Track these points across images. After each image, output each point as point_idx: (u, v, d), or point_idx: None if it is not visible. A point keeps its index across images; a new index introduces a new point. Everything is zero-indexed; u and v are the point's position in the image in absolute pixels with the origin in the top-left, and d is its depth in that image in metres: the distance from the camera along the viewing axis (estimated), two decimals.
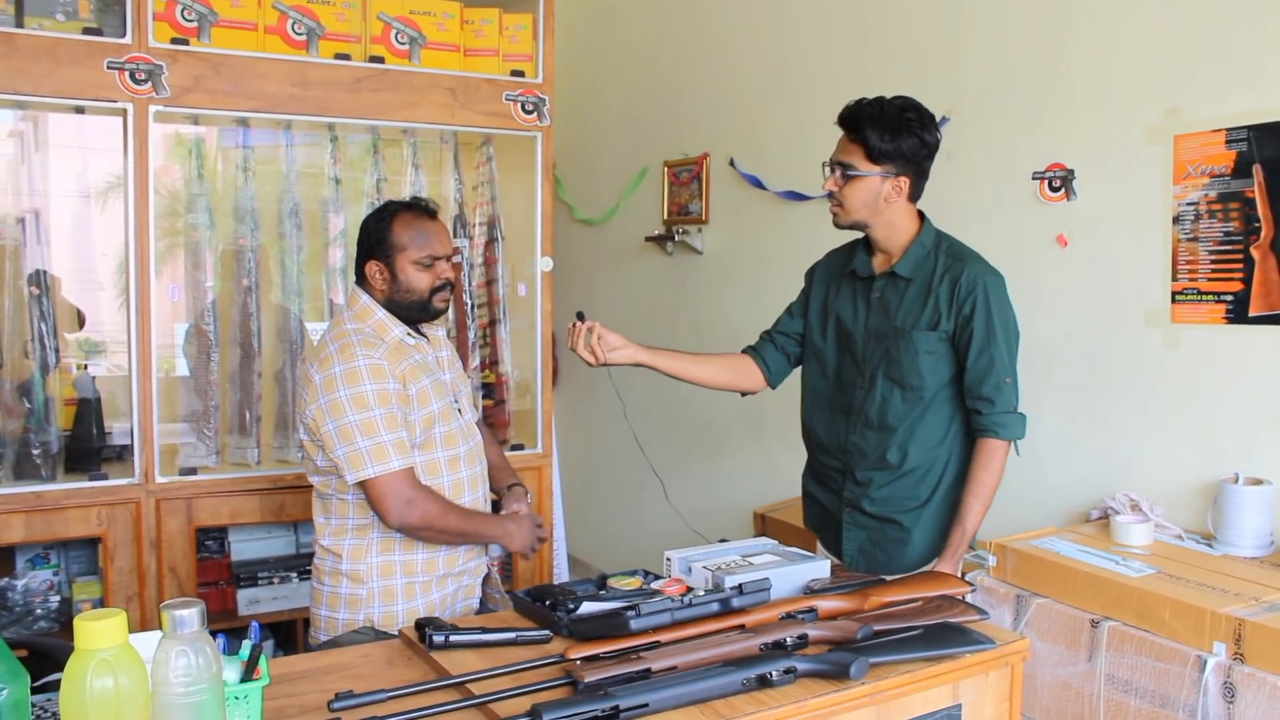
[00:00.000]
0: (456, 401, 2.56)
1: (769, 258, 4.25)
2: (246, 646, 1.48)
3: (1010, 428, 2.46)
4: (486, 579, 2.63)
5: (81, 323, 3.74)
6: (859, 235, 2.60)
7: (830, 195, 2.51)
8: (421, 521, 2.33)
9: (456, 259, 3.72)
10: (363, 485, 2.32)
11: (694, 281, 4.70)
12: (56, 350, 3.33)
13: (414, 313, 2.48)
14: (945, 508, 2.53)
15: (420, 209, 2.50)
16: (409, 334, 2.48)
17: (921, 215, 2.56)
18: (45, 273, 3.29)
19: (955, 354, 2.49)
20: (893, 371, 2.51)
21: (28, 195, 3.40)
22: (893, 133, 2.41)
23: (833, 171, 2.49)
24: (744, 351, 2.80)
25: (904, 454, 2.52)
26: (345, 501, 2.40)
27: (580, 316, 2.53)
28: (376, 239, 2.45)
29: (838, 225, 2.54)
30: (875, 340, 2.54)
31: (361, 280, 2.50)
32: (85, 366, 3.71)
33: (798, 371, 2.79)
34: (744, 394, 2.83)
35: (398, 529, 2.34)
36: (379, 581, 2.40)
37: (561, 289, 4.59)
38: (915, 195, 2.52)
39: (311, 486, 2.49)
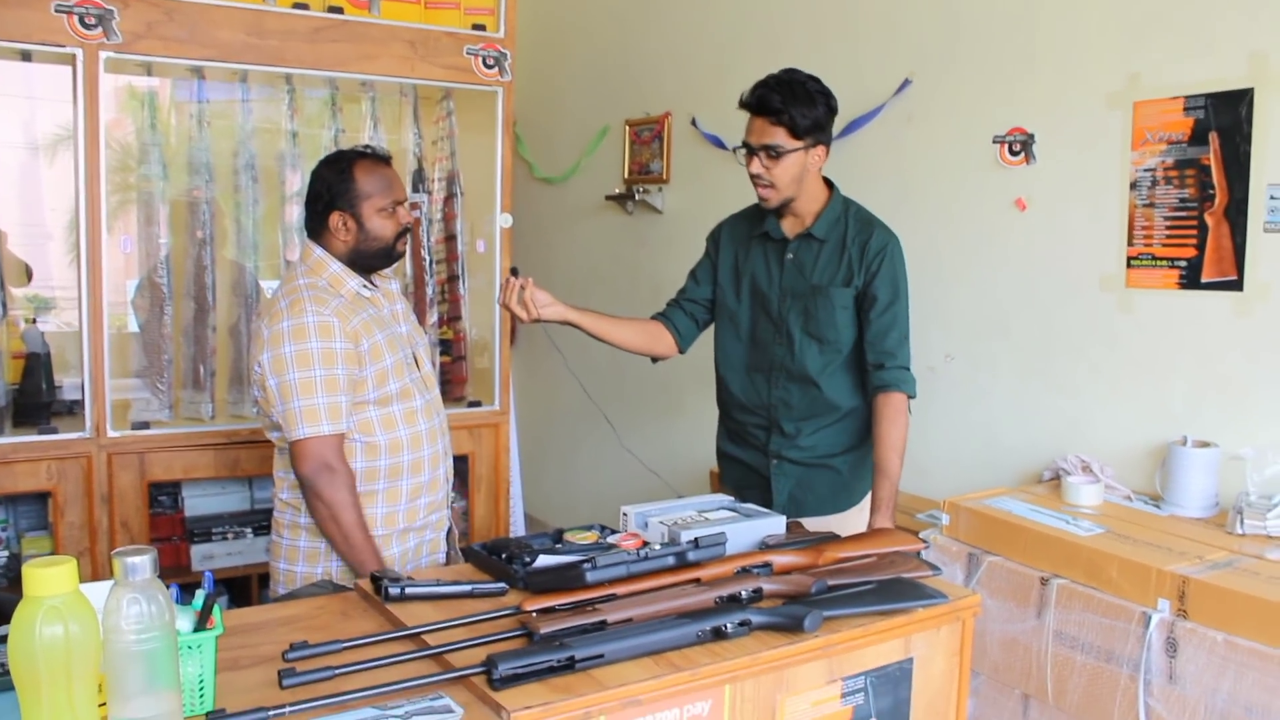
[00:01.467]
0: (413, 355, 2.54)
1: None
2: (200, 596, 1.47)
3: (909, 383, 2.60)
4: (449, 533, 2.63)
5: (29, 277, 3.68)
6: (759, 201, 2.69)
7: (757, 178, 2.58)
8: (328, 496, 2.29)
9: (415, 213, 3.69)
10: (291, 444, 2.31)
11: (654, 241, 4.69)
12: (4, 304, 3.27)
13: (378, 260, 2.47)
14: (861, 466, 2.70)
15: (375, 156, 2.47)
16: (365, 286, 2.46)
17: (828, 180, 2.69)
18: None
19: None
20: (810, 326, 2.62)
21: None
22: (809, 106, 2.52)
23: (754, 155, 2.57)
24: (654, 318, 2.86)
25: (832, 401, 2.64)
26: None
27: (514, 272, 2.58)
28: (338, 190, 2.41)
29: (769, 207, 2.64)
30: (792, 298, 2.65)
31: (315, 233, 2.46)
32: (34, 321, 3.65)
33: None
34: (655, 359, 2.89)
35: (304, 492, 2.33)
36: None
37: (521, 247, 4.57)
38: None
39: (268, 442, 2.48)
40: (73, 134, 3.13)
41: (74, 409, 3.39)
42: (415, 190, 3.83)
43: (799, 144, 2.54)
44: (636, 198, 4.68)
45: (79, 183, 3.11)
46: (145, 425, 3.32)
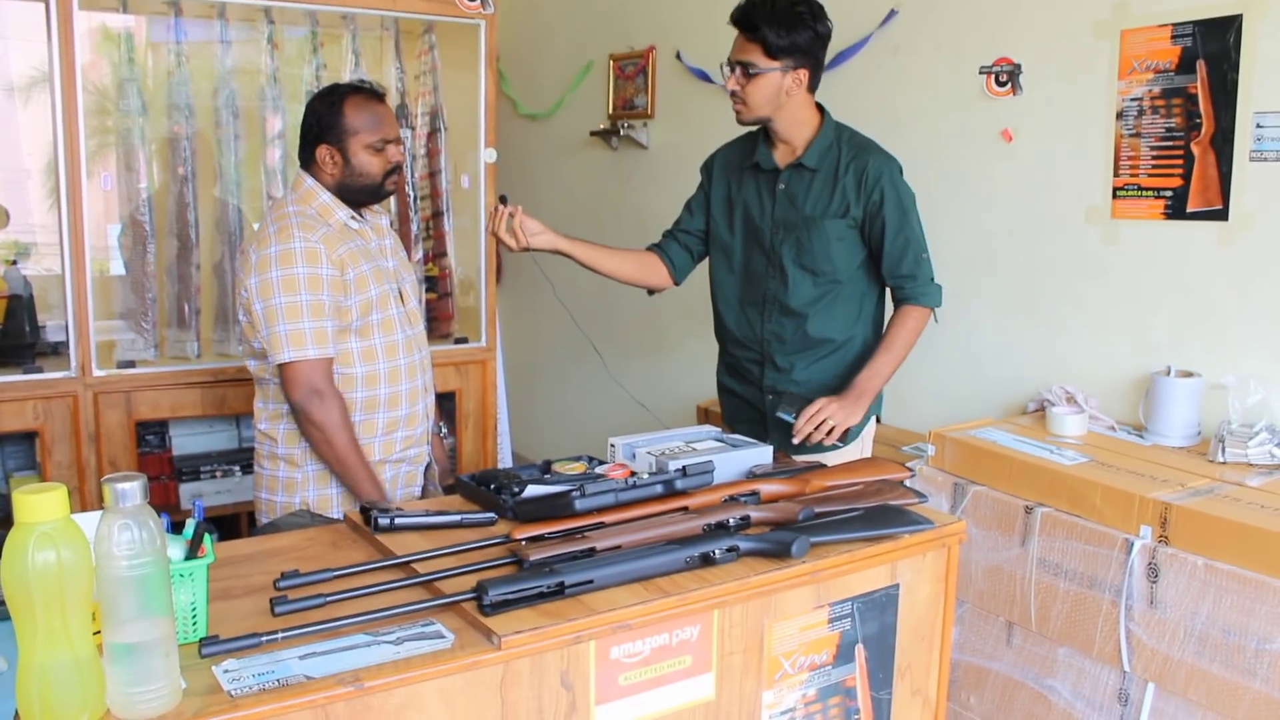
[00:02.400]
0: (399, 289, 2.54)
1: None
2: (191, 525, 1.48)
3: (931, 296, 2.59)
4: (428, 468, 2.64)
5: (6, 220, 3.64)
6: (753, 129, 2.67)
7: (733, 94, 2.56)
8: (320, 419, 2.31)
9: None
10: (279, 369, 2.31)
11: (639, 177, 4.67)
12: None
13: (364, 196, 2.46)
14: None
15: (368, 91, 2.45)
16: (353, 218, 2.46)
17: (820, 107, 2.63)
18: None
19: (863, 240, 2.59)
20: (804, 259, 2.59)
21: None
22: (788, 28, 2.47)
23: (732, 71, 2.53)
24: (649, 249, 2.84)
25: (824, 334, 2.62)
26: (280, 385, 2.39)
27: (503, 200, 2.56)
28: (327, 124, 2.40)
29: (741, 123, 2.61)
30: (784, 230, 2.61)
31: (305, 163, 2.46)
32: (14, 262, 3.62)
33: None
34: (651, 292, 2.87)
35: (297, 419, 2.34)
36: (313, 465, 2.41)
37: (505, 183, 4.54)
38: (813, 86, 2.58)
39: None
40: (48, 74, 3.08)
41: (59, 349, 3.38)
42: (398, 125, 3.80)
43: (774, 64, 2.48)
44: (621, 133, 4.65)
45: (56, 124, 3.07)
46: (131, 364, 3.31)
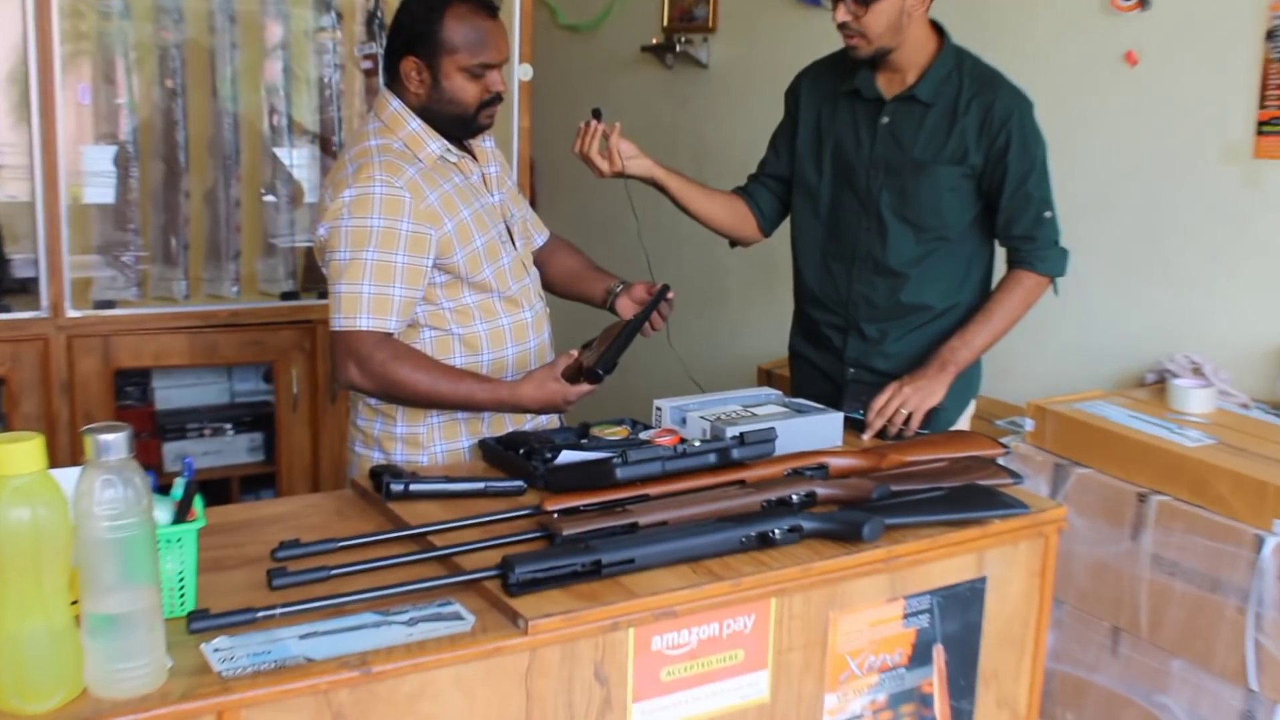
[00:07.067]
0: (508, 229, 2.48)
1: (785, 73, 4.19)
2: (180, 485, 1.52)
3: (1051, 262, 2.51)
4: None
5: None
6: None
7: (843, 27, 2.45)
8: (386, 378, 2.23)
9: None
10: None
11: (697, 101, 4.66)
12: None
13: (452, 127, 2.37)
14: (974, 364, 2.58)
15: (479, 2, 2.32)
16: (449, 150, 2.37)
17: (938, 27, 2.54)
18: None
19: (979, 191, 2.52)
20: (906, 210, 2.53)
21: None
22: None
23: (843, 1, 2.42)
24: (735, 192, 2.80)
25: (921, 300, 2.56)
26: None
27: (597, 114, 2.49)
28: (421, 31, 2.29)
29: (860, 58, 2.49)
30: (885, 173, 2.54)
31: (392, 80, 2.38)
32: None
33: None
34: (734, 244, 2.84)
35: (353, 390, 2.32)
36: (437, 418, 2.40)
37: (542, 105, 4.54)
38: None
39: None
40: None
41: (28, 287, 3.42)
42: None
43: None
44: (677, 49, 4.63)
45: (27, 22, 3.10)
46: (110, 305, 3.35)
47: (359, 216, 2.22)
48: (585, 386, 2.19)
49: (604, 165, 2.50)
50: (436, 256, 2.28)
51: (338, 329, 2.23)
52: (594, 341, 2.26)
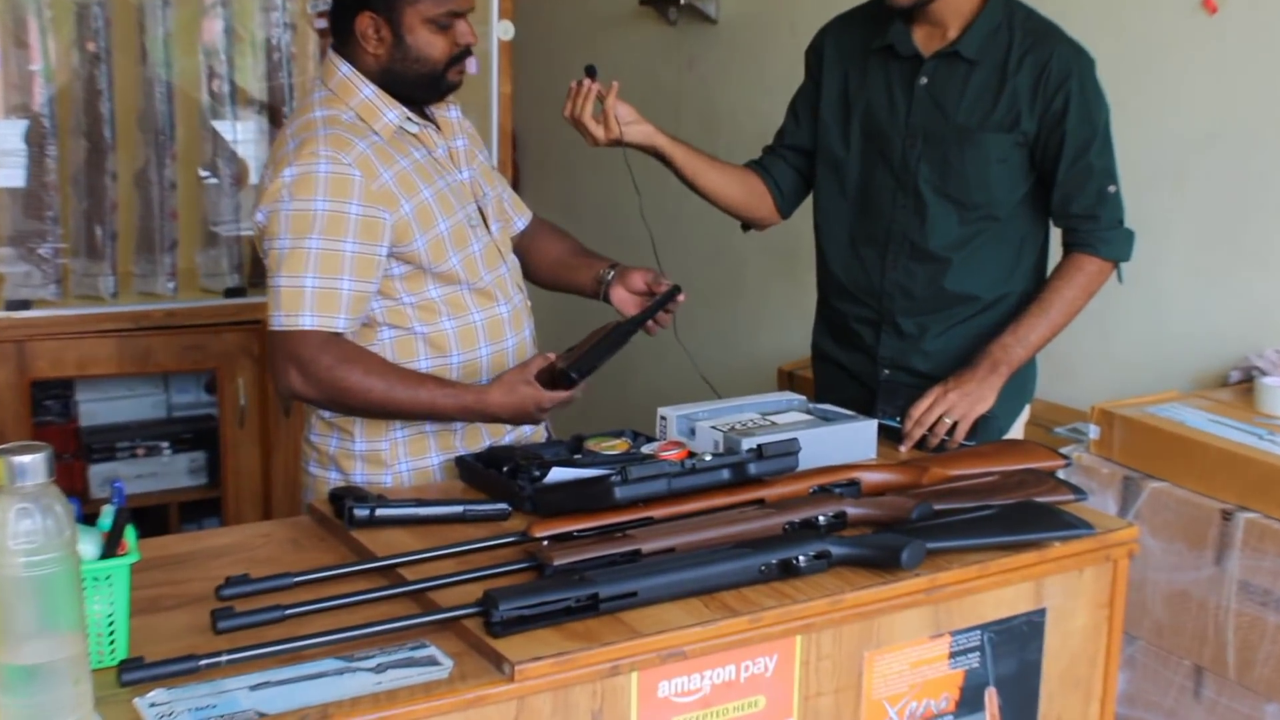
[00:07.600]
0: (479, 210, 2.47)
1: (806, 31, 4.20)
2: (109, 513, 1.52)
3: (1115, 245, 2.51)
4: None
5: None
6: None
7: None
8: (314, 392, 2.23)
9: None
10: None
11: (705, 62, 4.66)
12: None
13: (418, 90, 2.37)
14: (1027, 363, 2.58)
15: None
16: (409, 119, 2.37)
17: None
18: None
19: (1032, 163, 2.52)
20: (949, 185, 2.53)
21: None
22: None
23: None
24: (747, 166, 2.79)
25: (967, 290, 2.56)
26: None
27: (591, 72, 2.49)
28: None
29: (896, 6, 2.48)
30: (924, 142, 2.54)
31: (341, 42, 2.37)
32: None
33: None
34: (747, 227, 2.84)
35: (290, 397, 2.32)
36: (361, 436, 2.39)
37: (525, 67, 4.55)
38: None
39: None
40: None
41: None
42: None
43: None
44: (682, 2, 4.64)
45: None
46: (25, 305, 3.36)
47: (301, 199, 2.21)
48: (561, 393, 2.18)
49: (599, 131, 2.50)
50: (393, 243, 2.27)
51: (277, 329, 2.22)
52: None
